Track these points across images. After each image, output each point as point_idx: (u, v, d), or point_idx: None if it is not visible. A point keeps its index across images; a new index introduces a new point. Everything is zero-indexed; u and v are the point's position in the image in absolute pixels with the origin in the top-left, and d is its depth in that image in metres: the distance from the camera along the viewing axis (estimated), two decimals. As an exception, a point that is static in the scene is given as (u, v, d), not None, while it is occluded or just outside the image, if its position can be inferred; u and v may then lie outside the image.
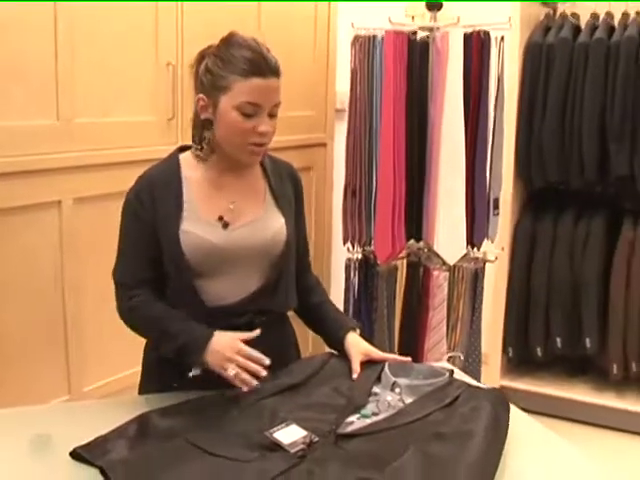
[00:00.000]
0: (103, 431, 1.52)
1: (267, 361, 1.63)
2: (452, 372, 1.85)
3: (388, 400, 1.68)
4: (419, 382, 1.76)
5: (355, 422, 1.60)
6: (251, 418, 1.60)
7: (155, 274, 1.77)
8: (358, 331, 1.92)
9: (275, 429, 1.53)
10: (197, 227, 1.74)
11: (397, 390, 1.71)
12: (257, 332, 1.66)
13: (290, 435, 1.52)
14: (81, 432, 1.52)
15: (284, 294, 1.84)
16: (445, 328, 2.90)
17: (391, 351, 2.92)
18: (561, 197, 3.72)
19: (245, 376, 1.61)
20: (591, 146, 3.42)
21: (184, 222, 1.73)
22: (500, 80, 2.93)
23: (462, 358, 2.28)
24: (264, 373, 1.62)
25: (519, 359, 3.88)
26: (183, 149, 1.83)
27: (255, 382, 1.62)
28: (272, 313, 1.84)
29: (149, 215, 1.74)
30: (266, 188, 1.85)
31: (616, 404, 3.58)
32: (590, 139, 3.41)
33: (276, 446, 1.49)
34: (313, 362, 1.86)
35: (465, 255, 2.91)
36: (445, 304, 2.87)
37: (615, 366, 3.55)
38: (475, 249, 2.93)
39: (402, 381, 1.75)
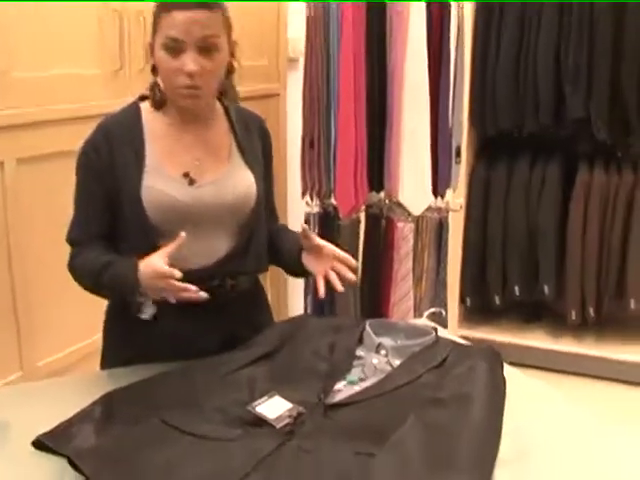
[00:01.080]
0: (66, 414, 1.34)
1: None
2: (436, 330, 1.71)
3: (374, 364, 1.53)
4: (405, 342, 1.62)
5: (342, 390, 1.45)
6: (228, 391, 1.45)
7: (110, 232, 1.59)
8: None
9: (257, 402, 1.38)
10: (160, 182, 1.55)
11: (383, 352, 1.57)
12: (204, 295, 1.46)
13: (274, 408, 1.37)
14: (41, 416, 1.34)
15: (255, 256, 1.67)
16: (411, 281, 2.77)
17: (356, 309, 2.78)
18: (515, 144, 3.61)
19: (187, 294, 1.44)
20: (546, 88, 3.32)
21: (146, 177, 1.54)
22: (460, 26, 2.77)
23: (444, 314, 2.14)
24: (203, 295, 1.45)
25: (477, 308, 3.82)
26: (144, 98, 1.62)
27: (203, 293, 1.44)
28: (243, 276, 1.67)
29: (106, 167, 1.55)
30: (232, 142, 1.66)
31: (574, 349, 3.55)
32: (545, 81, 3.31)
33: (260, 421, 1.34)
34: (288, 325, 1.70)
35: (429, 205, 2.77)
36: (411, 256, 2.73)
37: (573, 312, 3.50)
38: (439, 198, 2.79)
39: (387, 342, 1.61)
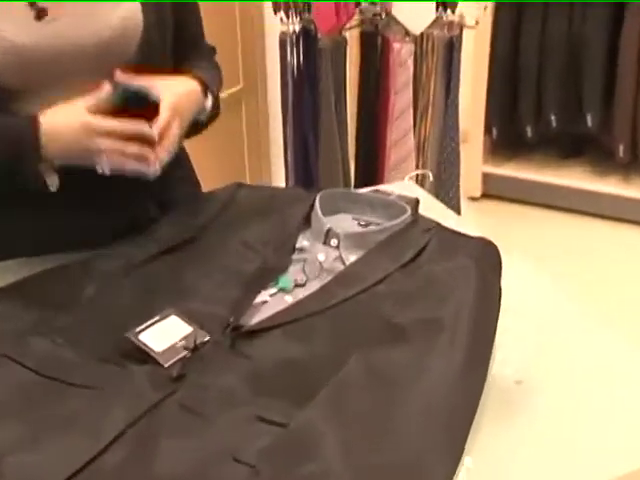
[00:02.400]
0: None
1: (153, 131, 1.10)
2: (417, 204, 1.33)
3: (320, 260, 1.17)
4: (366, 228, 1.25)
5: (268, 302, 1.10)
6: (116, 305, 1.11)
7: None
8: (210, 98, 1.29)
9: (144, 326, 1.03)
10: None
11: (333, 242, 1.20)
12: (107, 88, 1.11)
13: (166, 336, 1.02)
14: None
15: None
16: (412, 117, 2.34)
17: (344, 156, 2.37)
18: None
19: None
20: None
21: None
22: None
23: (431, 179, 1.71)
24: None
25: (505, 141, 3.45)
26: None
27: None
28: None
29: None
30: None
31: (621, 191, 3.17)
32: None
33: (144, 355, 1.00)
34: (212, 201, 1.33)
35: (436, 20, 2.28)
36: (411, 86, 2.29)
37: (621, 147, 3.07)
38: (449, 10, 2.29)
39: (341, 225, 1.24)
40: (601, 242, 3.04)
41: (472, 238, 1.19)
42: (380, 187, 1.49)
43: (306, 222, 1.25)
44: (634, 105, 3.00)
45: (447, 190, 2.45)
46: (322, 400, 0.88)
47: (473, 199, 3.38)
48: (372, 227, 1.25)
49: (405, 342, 0.97)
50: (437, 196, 2.43)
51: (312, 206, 1.27)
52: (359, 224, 1.28)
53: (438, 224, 1.24)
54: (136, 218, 1.29)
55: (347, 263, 1.15)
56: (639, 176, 3.22)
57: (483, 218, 3.14)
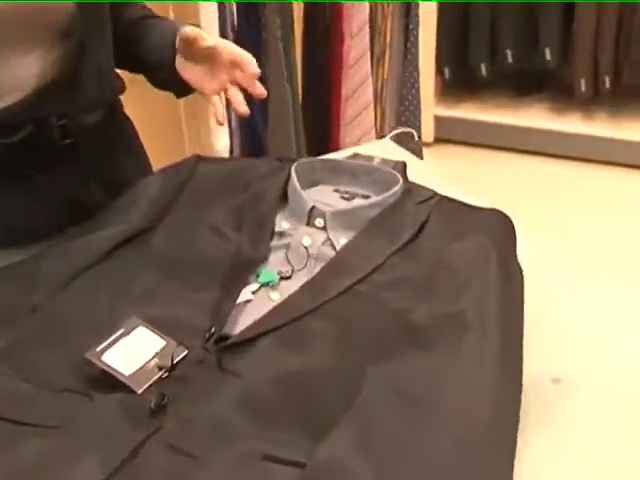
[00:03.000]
0: None
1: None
2: (404, 168, 1.20)
3: (305, 245, 1.02)
4: (355, 202, 1.11)
5: (253, 300, 0.95)
6: (69, 316, 0.95)
7: None
8: None
9: (107, 343, 0.88)
10: None
11: (319, 222, 1.05)
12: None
13: (134, 353, 0.87)
14: None
15: (95, 78, 1.10)
16: (369, 63, 2.18)
17: (295, 106, 2.19)
18: None
19: None
20: None
21: None
22: None
23: (417, 139, 1.54)
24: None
25: (458, 80, 3.30)
26: None
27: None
28: (80, 113, 1.12)
29: None
30: None
31: (582, 129, 3.06)
32: None
33: (111, 379, 0.85)
34: (168, 179, 1.16)
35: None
36: (367, 30, 2.12)
37: (583, 82, 2.96)
38: None
39: (325, 201, 1.10)
40: (564, 183, 2.95)
41: (481, 210, 1.06)
42: (358, 149, 1.34)
43: (282, 199, 1.11)
44: (595, 36, 2.89)
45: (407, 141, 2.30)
46: (344, 431, 0.74)
47: (426, 145, 3.24)
48: (359, 201, 1.11)
49: (426, 347, 0.83)
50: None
51: (287, 180, 1.12)
52: (342, 197, 1.14)
53: (436, 193, 1.11)
54: (79, 201, 1.13)
55: (338, 247, 1.01)
56: (601, 112, 3.13)
57: (438, 165, 3.02)
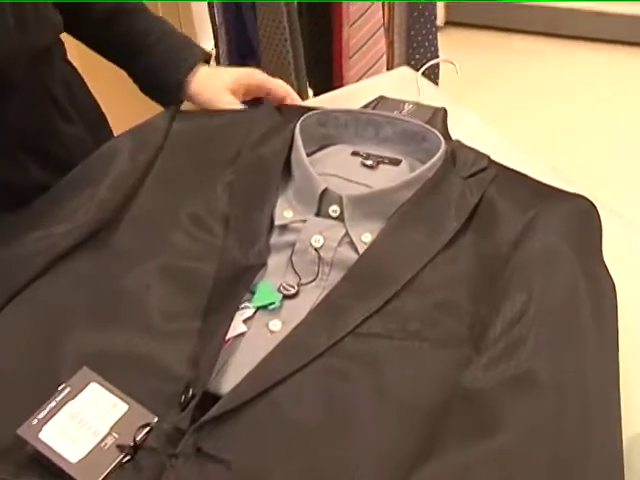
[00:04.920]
0: None
1: None
2: (444, 118, 0.93)
3: (316, 247, 0.77)
4: (377, 166, 0.85)
5: (247, 334, 0.71)
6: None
7: None
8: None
9: (46, 412, 0.64)
10: None
11: (333, 210, 0.79)
12: None
13: (84, 427, 0.64)
14: None
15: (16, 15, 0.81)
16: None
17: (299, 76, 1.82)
18: None
19: None
20: None
21: None
22: None
23: (458, 71, 1.14)
24: None
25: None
26: None
27: None
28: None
29: None
30: None
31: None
32: None
33: (52, 467, 0.62)
34: (134, 147, 0.88)
35: None
36: None
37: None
38: None
39: (345, 171, 0.84)
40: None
41: (557, 193, 0.79)
42: (369, 82, 1.06)
43: (285, 172, 0.84)
44: None
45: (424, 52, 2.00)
46: None
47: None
48: (387, 169, 0.84)
49: (491, 428, 0.59)
50: (409, 61, 1.99)
51: (291, 143, 0.85)
52: (363, 164, 0.87)
53: (491, 161, 0.84)
54: (10, 183, 0.87)
55: (360, 248, 0.75)
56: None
57: (450, 50, 2.73)
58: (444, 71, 1.97)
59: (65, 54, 0.97)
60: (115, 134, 0.93)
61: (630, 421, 0.61)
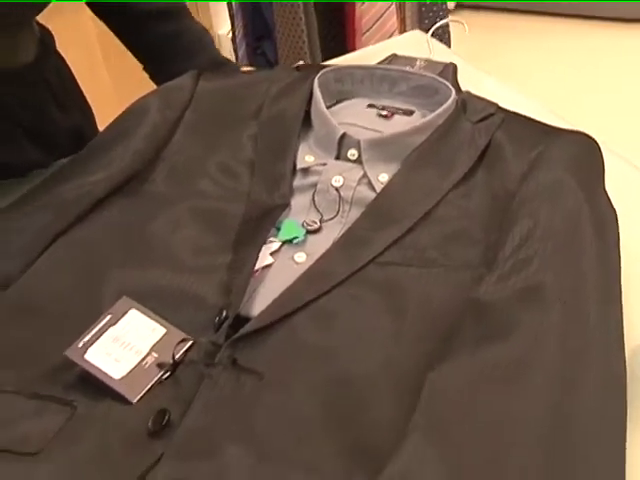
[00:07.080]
0: None
1: None
2: (454, 73, 0.98)
3: (336, 186, 0.82)
4: (392, 117, 0.91)
5: (274, 265, 0.76)
6: (43, 296, 0.76)
7: None
8: None
9: (90, 336, 0.70)
10: None
11: (352, 154, 0.85)
12: None
13: (125, 348, 0.70)
14: None
15: None
16: None
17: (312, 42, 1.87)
18: None
19: None
20: None
21: None
22: None
23: (467, 31, 1.20)
24: None
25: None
26: None
27: None
28: None
29: None
30: None
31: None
32: None
33: (97, 383, 0.67)
34: (163, 104, 0.94)
35: None
36: None
37: None
38: None
39: (362, 121, 0.89)
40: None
41: (560, 132, 0.84)
42: (383, 45, 1.11)
43: (304, 123, 0.90)
44: None
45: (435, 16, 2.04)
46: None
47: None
48: (401, 119, 0.90)
49: (500, 335, 0.64)
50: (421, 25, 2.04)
51: (310, 97, 0.91)
52: (379, 114, 0.93)
53: (499, 108, 0.89)
54: (8, 165, 0.93)
55: (377, 187, 0.81)
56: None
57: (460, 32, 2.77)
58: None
59: (55, 45, 1.02)
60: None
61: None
